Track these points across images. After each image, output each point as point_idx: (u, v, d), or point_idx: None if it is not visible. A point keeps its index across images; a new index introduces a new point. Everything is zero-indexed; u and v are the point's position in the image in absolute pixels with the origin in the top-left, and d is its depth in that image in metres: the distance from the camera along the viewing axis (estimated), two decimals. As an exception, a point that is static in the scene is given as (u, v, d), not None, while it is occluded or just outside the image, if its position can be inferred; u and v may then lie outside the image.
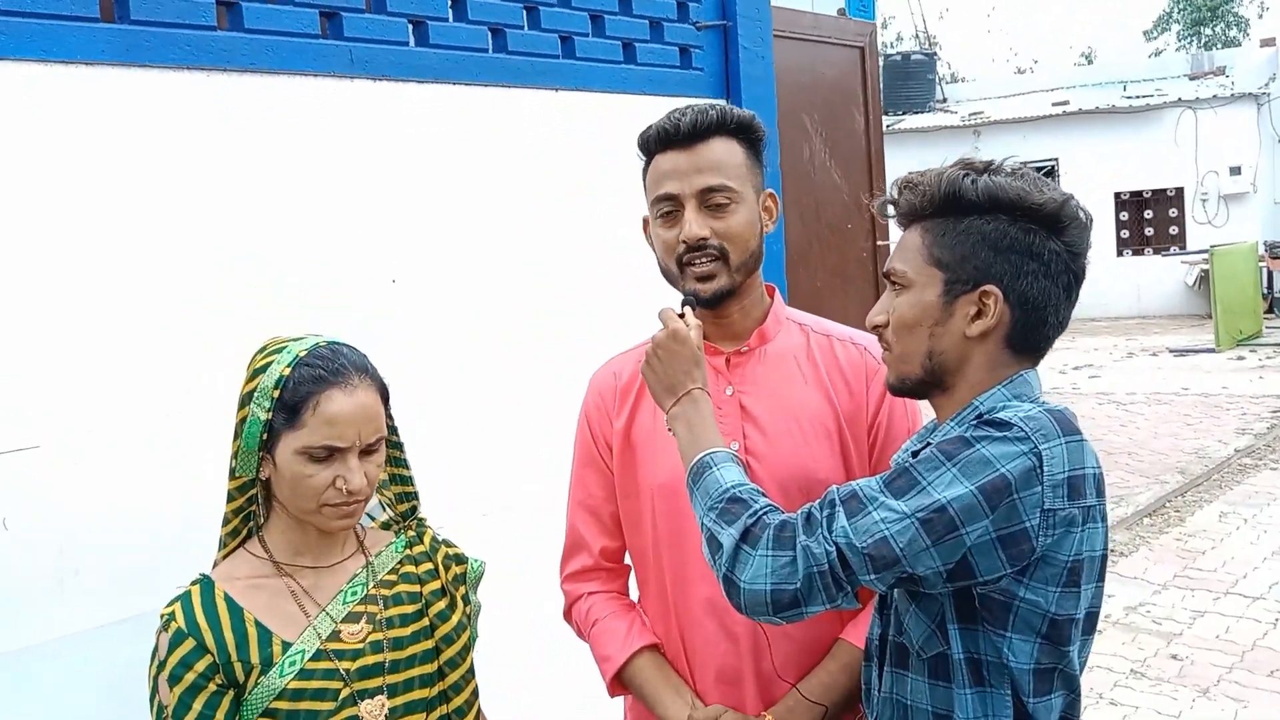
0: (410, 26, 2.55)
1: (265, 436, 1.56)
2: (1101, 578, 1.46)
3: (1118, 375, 13.21)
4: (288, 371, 1.56)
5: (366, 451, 1.57)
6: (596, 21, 2.98)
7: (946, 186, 1.46)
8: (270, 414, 1.55)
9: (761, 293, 1.85)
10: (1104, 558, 1.45)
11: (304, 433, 1.53)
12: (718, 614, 1.75)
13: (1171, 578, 5.90)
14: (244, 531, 1.67)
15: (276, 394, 1.55)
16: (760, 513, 1.43)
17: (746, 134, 1.78)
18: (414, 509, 1.81)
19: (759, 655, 1.75)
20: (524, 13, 2.80)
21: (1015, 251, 1.43)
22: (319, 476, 1.53)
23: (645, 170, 1.81)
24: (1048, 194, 1.44)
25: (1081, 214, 1.47)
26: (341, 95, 2.40)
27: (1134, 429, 9.86)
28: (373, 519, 1.79)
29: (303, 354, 1.58)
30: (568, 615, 1.94)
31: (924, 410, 1.68)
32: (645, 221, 1.85)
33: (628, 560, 1.93)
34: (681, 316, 1.67)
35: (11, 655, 1.87)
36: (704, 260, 1.71)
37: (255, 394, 1.57)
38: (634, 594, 1.95)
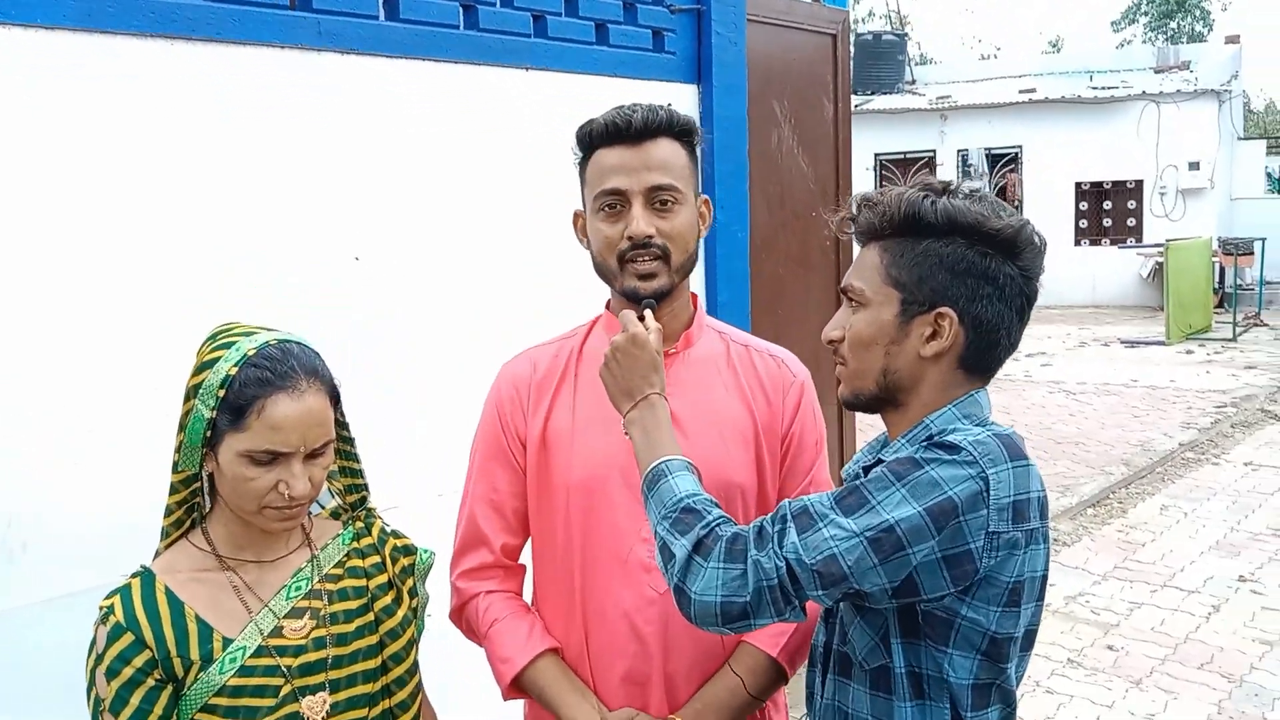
0: (380, 0, 2.52)
1: (209, 434, 1.52)
2: (1041, 596, 1.49)
3: (1069, 364, 13.40)
4: (234, 371, 1.50)
5: (312, 455, 1.53)
6: (570, 1, 2.95)
7: (906, 208, 1.47)
8: (215, 413, 1.50)
9: (688, 299, 1.85)
10: (1044, 577, 1.48)
11: (247, 436, 1.48)
12: (629, 616, 1.74)
13: (1111, 569, 6.02)
14: (187, 522, 1.63)
15: (222, 393, 1.50)
16: (713, 524, 1.44)
17: (688, 138, 1.79)
18: (363, 499, 1.77)
19: (667, 657, 1.75)
20: (497, -11, 2.77)
21: (972, 275, 1.45)
22: (261, 480, 1.49)
23: (583, 163, 1.79)
24: (1005, 219, 1.46)
25: (1037, 239, 1.49)
26: (308, 68, 2.37)
27: (1082, 419, 10.01)
28: (322, 506, 1.76)
29: (251, 353, 1.52)
30: (457, 614, 1.87)
31: (863, 422, 1.72)
32: (576, 215, 1.84)
33: (523, 560, 1.90)
34: (642, 320, 1.67)
35: (-45, 627, 1.86)
36: (646, 258, 1.71)
37: (201, 390, 1.52)
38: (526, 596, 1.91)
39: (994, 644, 1.42)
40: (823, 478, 1.87)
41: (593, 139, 1.76)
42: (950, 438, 1.41)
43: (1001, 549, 1.38)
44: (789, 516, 1.41)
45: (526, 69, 2.85)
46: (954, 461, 1.37)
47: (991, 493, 1.36)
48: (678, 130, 1.76)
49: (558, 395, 1.83)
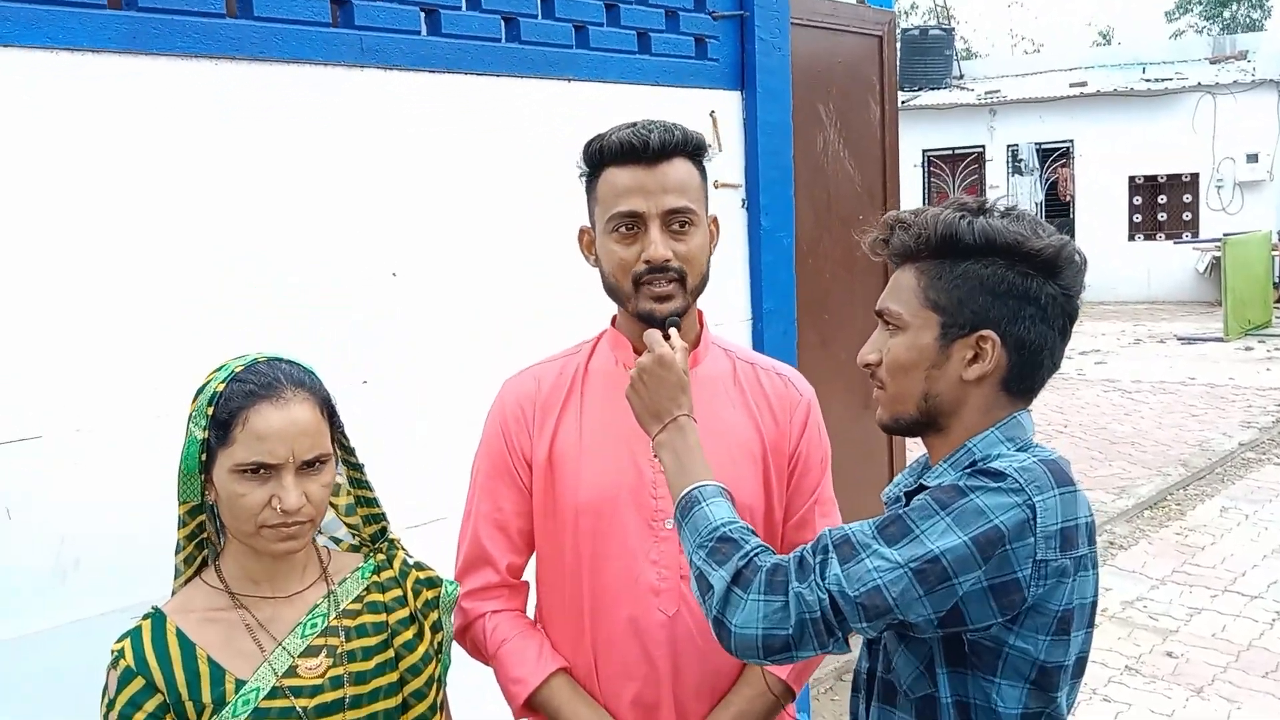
0: (422, 15, 2.53)
1: (204, 457, 1.50)
2: (1092, 623, 1.46)
3: (1124, 362, 13.16)
4: (221, 388, 1.49)
5: (307, 470, 1.48)
6: (611, 11, 2.95)
7: (943, 229, 1.44)
8: (206, 432, 1.48)
9: (695, 317, 1.83)
10: (1094, 603, 1.45)
11: (234, 449, 1.46)
12: (640, 637, 1.73)
13: (1170, 573, 5.90)
14: (199, 558, 1.60)
15: (210, 411, 1.48)
16: (752, 554, 1.41)
17: (700, 157, 1.76)
18: (384, 530, 1.72)
19: (676, 680, 1.73)
20: (538, 1, 2.77)
21: (1013, 296, 1.42)
22: (252, 496, 1.45)
23: (591, 180, 1.76)
24: (1045, 239, 1.42)
25: (1077, 257, 1.45)
26: (352, 85, 2.38)
27: (1138, 418, 9.83)
28: (336, 542, 1.72)
29: (239, 369, 1.51)
30: (462, 634, 1.83)
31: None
32: (583, 232, 1.81)
33: (526, 578, 1.88)
34: (667, 339, 1.64)
35: (11, 643, 1.88)
36: (663, 281, 1.69)
37: (194, 414, 1.52)
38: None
39: (1043, 673, 1.38)
40: (828, 496, 1.86)
41: (604, 156, 1.72)
42: (995, 464, 1.38)
43: (1050, 577, 1.35)
44: (830, 547, 1.38)
45: (569, 80, 2.85)
46: (999, 489, 1.34)
47: (1039, 520, 1.33)
48: (691, 149, 1.73)
49: (563, 414, 1.80)
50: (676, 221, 1.69)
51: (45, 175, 1.93)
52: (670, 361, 1.59)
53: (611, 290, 1.76)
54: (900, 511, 1.38)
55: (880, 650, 1.53)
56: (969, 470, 1.40)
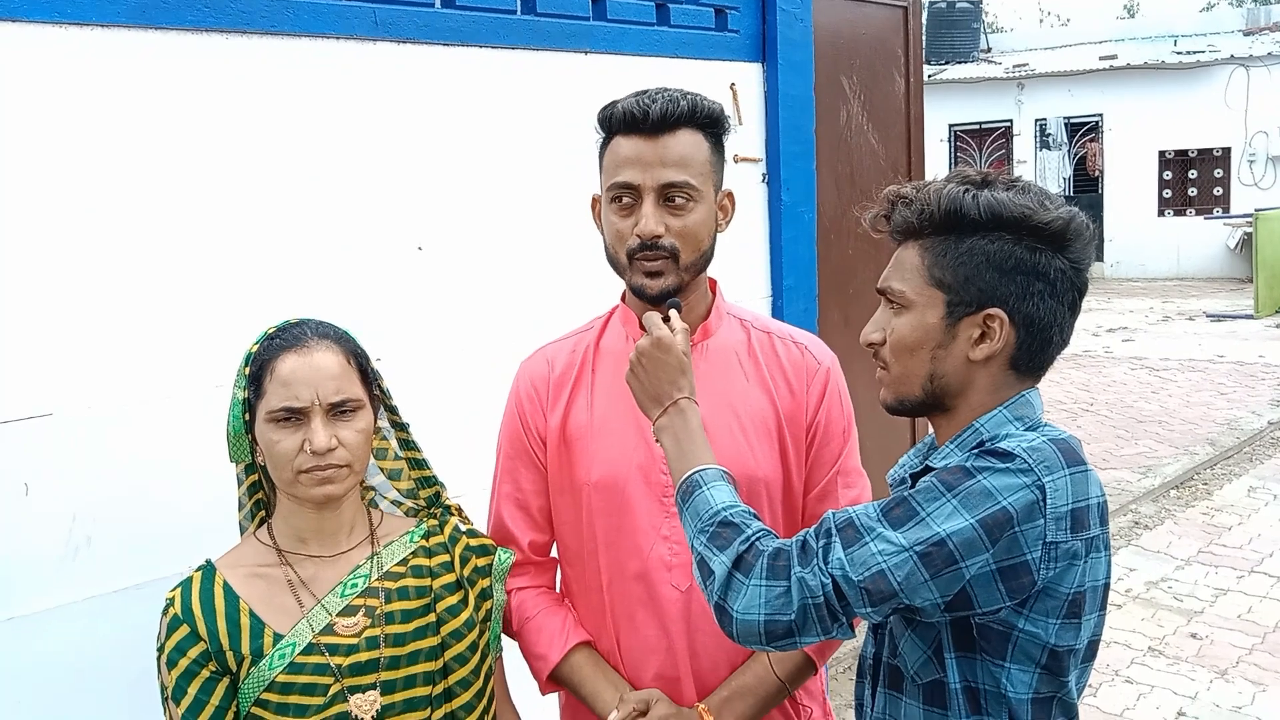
0: (436, -13, 2.49)
1: (248, 417, 1.58)
2: (1104, 605, 1.42)
3: (1152, 339, 13.03)
4: (256, 348, 1.58)
5: (338, 415, 1.54)
6: (629, -19, 2.90)
7: (947, 204, 1.39)
8: (245, 391, 1.57)
9: (705, 288, 1.80)
10: (1106, 585, 1.41)
11: (266, 399, 1.53)
12: (658, 613, 1.72)
13: (1195, 553, 5.84)
14: (259, 516, 1.67)
15: (247, 371, 1.57)
16: (753, 538, 1.38)
17: (714, 128, 1.71)
18: (438, 494, 1.77)
19: (693, 654, 1.72)
20: (554, -28, 2.72)
21: (1021, 272, 1.37)
22: (285, 442, 1.52)
23: (602, 148, 1.72)
24: (1054, 211, 1.37)
25: (1087, 229, 1.40)
26: (365, 59, 2.34)
27: (1165, 396, 9.73)
28: (399, 506, 1.77)
29: (272, 330, 1.60)
30: None
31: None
32: (594, 200, 1.78)
33: (553, 554, 1.88)
34: (666, 321, 1.61)
35: (22, 621, 1.89)
36: (654, 257, 1.65)
37: (236, 378, 1.60)
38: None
39: (1054, 657, 1.35)
40: (851, 466, 1.81)
41: (612, 125, 1.69)
42: (1003, 444, 1.34)
43: (1060, 559, 1.31)
44: (834, 530, 1.35)
45: (586, 53, 2.80)
46: (1008, 470, 1.30)
47: (1049, 501, 1.29)
48: (701, 120, 1.68)
49: (575, 393, 1.79)
50: (674, 196, 1.65)
51: (56, 152, 1.92)
52: (669, 344, 1.56)
53: (612, 262, 1.74)
54: (906, 493, 1.35)
55: (886, 635, 1.50)
56: (976, 451, 1.36)
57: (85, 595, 1.94)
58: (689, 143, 1.66)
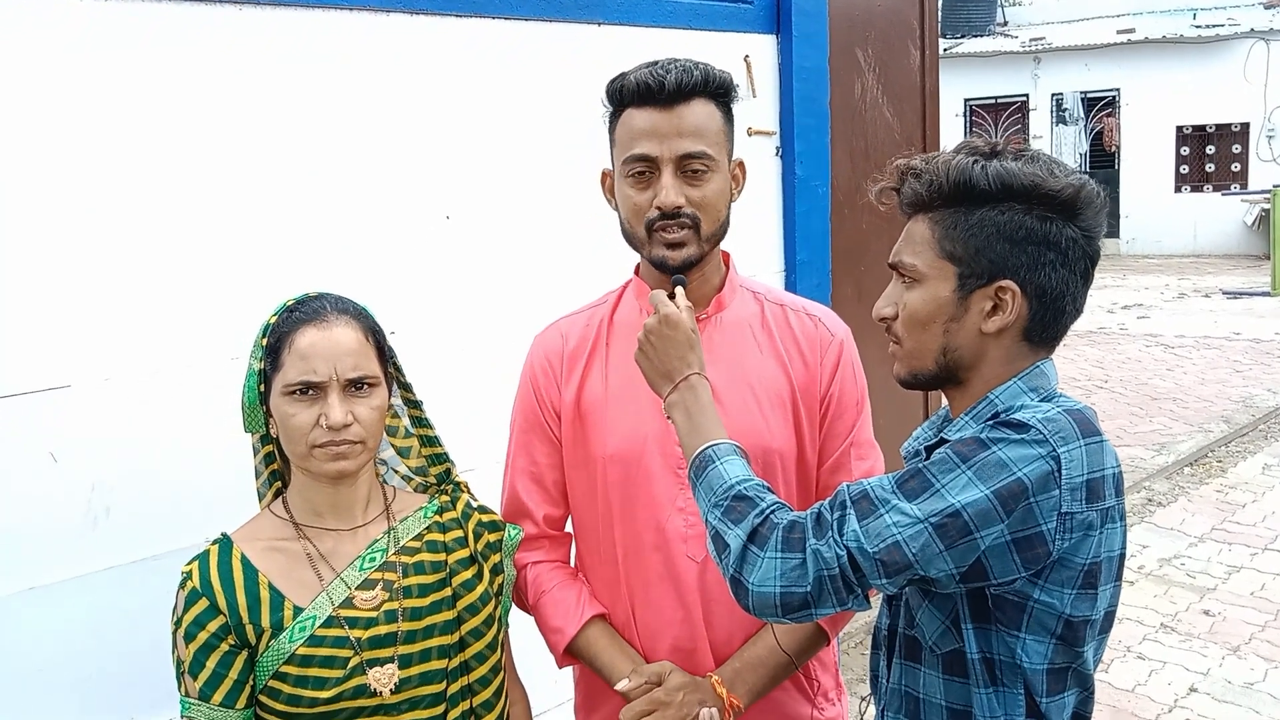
0: (448, -43, 2.47)
1: (263, 388, 1.58)
2: (1119, 576, 1.42)
3: (1167, 316, 12.95)
4: (274, 320, 1.58)
5: (354, 391, 1.54)
6: (642, -48, 2.88)
7: (956, 175, 1.38)
8: (262, 363, 1.57)
9: (719, 260, 1.79)
10: (1122, 556, 1.41)
11: (284, 372, 1.53)
12: (674, 585, 1.73)
13: (1209, 530, 5.83)
14: (276, 486, 1.68)
15: (264, 342, 1.57)
16: (767, 511, 1.39)
17: (724, 97, 1.70)
18: (448, 471, 1.78)
19: (709, 624, 1.73)
20: (567, -57, 2.71)
21: (1032, 242, 1.37)
22: (301, 416, 1.52)
23: (613, 121, 1.71)
24: (1063, 179, 1.36)
25: (1098, 196, 1.39)
26: (378, 30, 2.34)
27: (1180, 374, 9.68)
28: (409, 481, 1.77)
29: (291, 303, 1.60)
30: None
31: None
32: (605, 175, 1.77)
33: (568, 528, 1.89)
34: (672, 298, 1.61)
35: (42, 590, 1.90)
36: (675, 228, 1.65)
37: (253, 349, 1.60)
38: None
39: (1069, 627, 1.35)
40: (864, 438, 1.81)
41: (623, 97, 1.67)
42: (1018, 415, 1.34)
43: (1076, 530, 1.31)
44: (848, 502, 1.35)
45: (599, 24, 2.79)
46: (1022, 441, 1.30)
47: (1064, 472, 1.29)
48: (713, 90, 1.67)
49: (590, 366, 1.79)
50: (691, 166, 1.64)
51: (75, 124, 1.92)
52: (677, 320, 1.56)
53: (628, 236, 1.73)
54: (920, 465, 1.35)
55: (901, 607, 1.50)
56: (991, 422, 1.36)
57: (105, 565, 1.96)
58: (703, 112, 1.66)
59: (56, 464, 1.90)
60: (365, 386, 1.56)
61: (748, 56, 3.18)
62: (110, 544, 1.97)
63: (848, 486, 1.38)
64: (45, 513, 1.90)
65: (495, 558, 1.73)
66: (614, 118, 1.71)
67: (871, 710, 1.64)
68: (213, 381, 2.06)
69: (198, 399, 2.06)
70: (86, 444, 1.94)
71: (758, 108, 3.22)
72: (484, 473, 2.05)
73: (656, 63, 1.67)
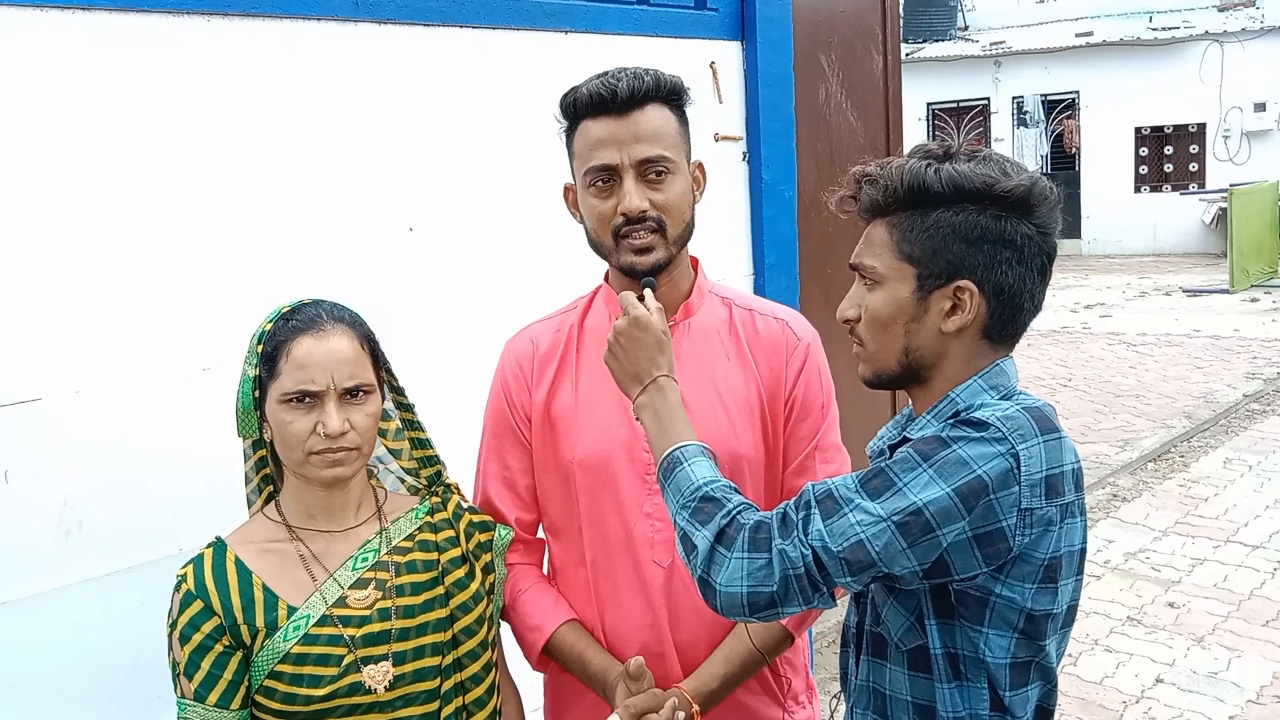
0: (416, -33, 2.48)
1: (258, 394, 1.59)
2: (1081, 571, 1.45)
3: (1129, 315, 13.13)
4: (269, 327, 1.59)
5: (350, 399, 1.56)
6: (609, -39, 2.90)
7: (910, 179, 1.41)
8: (257, 369, 1.58)
9: (688, 265, 1.81)
10: (1083, 551, 1.44)
11: (280, 380, 1.55)
12: (642, 589, 1.74)
13: (1173, 524, 5.93)
14: (266, 490, 1.69)
15: (260, 349, 1.58)
16: (734, 512, 1.41)
17: (678, 100, 1.72)
18: (439, 474, 1.81)
19: (675, 628, 1.75)
20: (533, -48, 2.72)
21: (987, 241, 1.40)
22: (298, 424, 1.54)
23: (569, 135, 1.73)
24: (1015, 178, 1.40)
25: (1050, 193, 1.42)
26: (345, 40, 2.34)
27: (1143, 371, 9.83)
28: (402, 483, 1.79)
29: (286, 310, 1.61)
30: None
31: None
32: (567, 189, 1.79)
33: (540, 535, 1.91)
34: (641, 300, 1.63)
35: (16, 604, 1.89)
36: (642, 232, 1.67)
37: (247, 354, 1.61)
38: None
39: (1031, 621, 1.38)
40: (830, 441, 1.83)
41: (577, 109, 1.70)
42: (978, 414, 1.37)
43: (1036, 526, 1.34)
44: (813, 502, 1.38)
45: (566, 32, 2.80)
46: (982, 439, 1.33)
47: (1023, 469, 1.32)
48: (666, 94, 1.70)
49: (560, 372, 1.81)
50: (652, 170, 1.66)
51: (43, 136, 1.91)
52: (646, 322, 1.58)
53: (595, 246, 1.75)
54: (883, 464, 1.37)
55: (868, 604, 1.53)
56: (952, 421, 1.38)
57: (79, 578, 1.95)
58: (658, 117, 1.68)
59: (8, 484, 1.87)
60: (361, 394, 1.58)
61: (714, 63, 3.20)
62: (84, 557, 1.96)
63: (812, 486, 1.41)
64: (17, 527, 1.89)
65: (486, 557, 1.75)
66: (570, 131, 1.73)
67: (842, 708, 1.67)
68: (185, 392, 2.06)
69: (170, 411, 2.05)
70: (58, 457, 1.93)
71: (724, 113, 3.24)
72: (455, 479, 2.06)
73: (607, 73, 1.69)
